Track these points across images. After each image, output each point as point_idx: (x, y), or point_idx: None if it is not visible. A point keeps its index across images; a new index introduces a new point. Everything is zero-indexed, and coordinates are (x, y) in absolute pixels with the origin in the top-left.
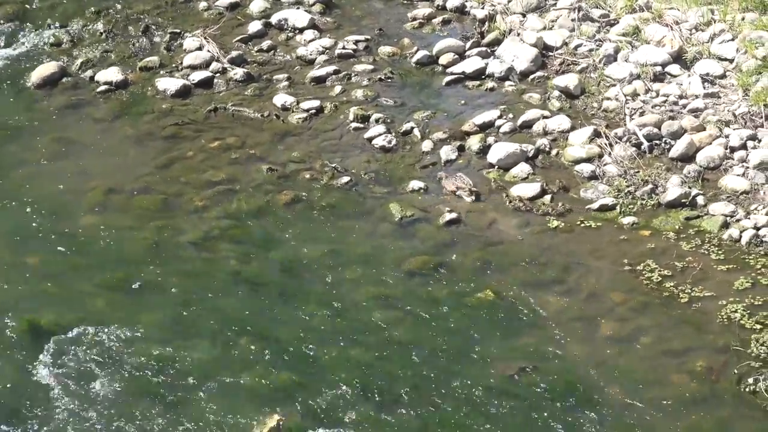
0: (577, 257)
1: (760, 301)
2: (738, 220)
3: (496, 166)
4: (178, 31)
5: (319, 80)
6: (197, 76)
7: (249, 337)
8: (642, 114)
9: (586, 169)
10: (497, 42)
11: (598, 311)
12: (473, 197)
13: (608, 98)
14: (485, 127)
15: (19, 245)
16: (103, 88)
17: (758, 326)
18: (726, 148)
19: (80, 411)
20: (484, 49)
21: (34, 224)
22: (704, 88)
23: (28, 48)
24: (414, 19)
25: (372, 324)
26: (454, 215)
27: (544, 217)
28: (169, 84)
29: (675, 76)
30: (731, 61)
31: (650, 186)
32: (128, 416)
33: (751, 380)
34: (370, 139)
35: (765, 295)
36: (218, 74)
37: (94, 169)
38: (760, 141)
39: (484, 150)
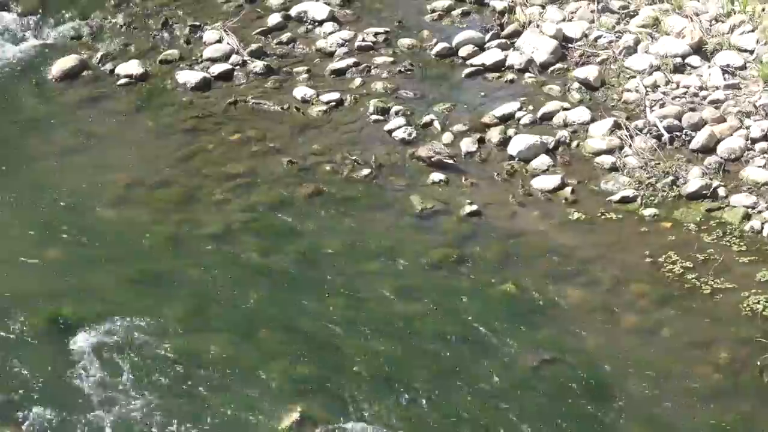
0: (599, 249)
1: None
2: (760, 212)
3: (517, 158)
4: (198, 23)
5: (339, 73)
6: (217, 68)
7: (270, 329)
8: (662, 105)
9: (606, 160)
10: (517, 34)
11: (619, 303)
12: (453, 160)
13: (628, 90)
14: (505, 119)
15: (40, 238)
16: (123, 81)
17: None
18: (747, 140)
19: (101, 403)
20: (503, 40)
21: (54, 217)
22: (725, 79)
23: (48, 41)
24: (433, 11)
25: (393, 316)
26: (474, 207)
27: (565, 208)
28: (189, 77)
29: (695, 68)
30: (752, 52)
31: (671, 178)
32: (149, 409)
33: None
34: (390, 132)
35: None
36: (238, 67)
37: (114, 162)
38: None
39: (504, 142)
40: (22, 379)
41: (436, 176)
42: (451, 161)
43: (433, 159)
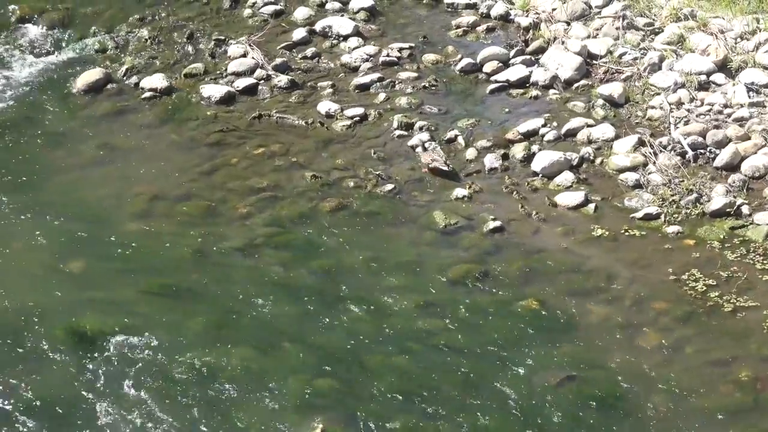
0: (621, 266)
1: None
2: None
3: (540, 175)
4: (223, 38)
5: (363, 88)
6: (241, 83)
7: (292, 343)
8: (686, 123)
9: (630, 177)
10: (541, 50)
11: (641, 320)
12: (449, 167)
13: (653, 107)
14: (529, 136)
15: (63, 251)
16: (147, 94)
17: None
18: None
19: (122, 417)
20: (528, 57)
21: (77, 230)
22: (749, 97)
23: (73, 54)
24: (458, 26)
25: (415, 331)
26: (498, 223)
27: (588, 225)
28: (213, 91)
29: (720, 85)
30: None
31: (695, 195)
32: (170, 423)
33: None
34: (414, 147)
35: None
36: (262, 81)
37: (138, 176)
38: None
39: (528, 158)
40: (44, 391)
41: (460, 192)
42: (446, 168)
43: (430, 165)
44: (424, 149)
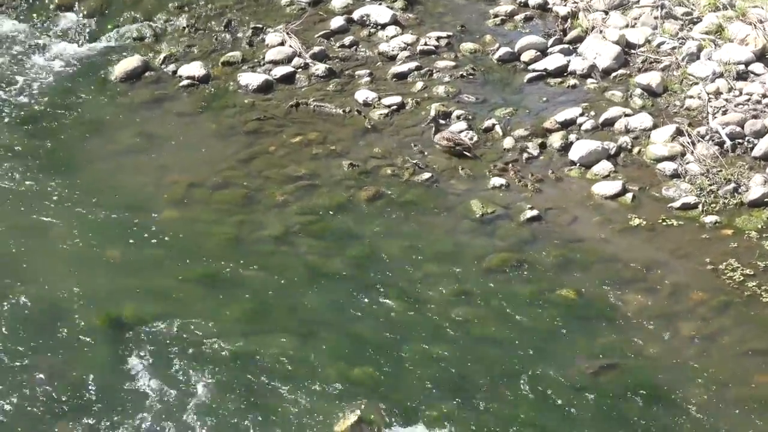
0: (659, 256)
1: None
2: None
3: (578, 164)
4: (261, 26)
5: (401, 76)
6: (279, 71)
7: (329, 331)
8: (725, 112)
9: (668, 167)
10: (579, 39)
11: (679, 310)
12: (471, 153)
13: (691, 96)
14: (567, 125)
15: (101, 239)
16: (185, 82)
17: None
18: None
19: (160, 404)
20: (566, 46)
21: (115, 218)
22: None
23: (111, 42)
24: (496, 15)
25: (452, 320)
26: (535, 212)
27: (625, 214)
28: (251, 79)
29: (758, 75)
30: None
31: (733, 185)
32: (207, 410)
33: None
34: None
35: None
36: (300, 70)
37: (175, 163)
38: None
39: (566, 147)
40: (83, 378)
41: (497, 181)
42: (469, 154)
43: (450, 145)
44: (439, 127)
